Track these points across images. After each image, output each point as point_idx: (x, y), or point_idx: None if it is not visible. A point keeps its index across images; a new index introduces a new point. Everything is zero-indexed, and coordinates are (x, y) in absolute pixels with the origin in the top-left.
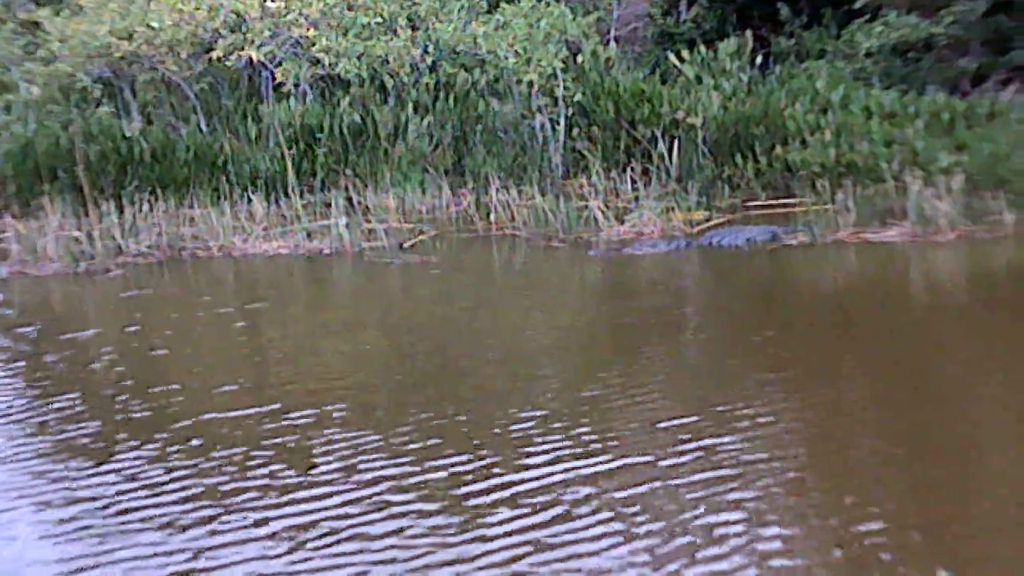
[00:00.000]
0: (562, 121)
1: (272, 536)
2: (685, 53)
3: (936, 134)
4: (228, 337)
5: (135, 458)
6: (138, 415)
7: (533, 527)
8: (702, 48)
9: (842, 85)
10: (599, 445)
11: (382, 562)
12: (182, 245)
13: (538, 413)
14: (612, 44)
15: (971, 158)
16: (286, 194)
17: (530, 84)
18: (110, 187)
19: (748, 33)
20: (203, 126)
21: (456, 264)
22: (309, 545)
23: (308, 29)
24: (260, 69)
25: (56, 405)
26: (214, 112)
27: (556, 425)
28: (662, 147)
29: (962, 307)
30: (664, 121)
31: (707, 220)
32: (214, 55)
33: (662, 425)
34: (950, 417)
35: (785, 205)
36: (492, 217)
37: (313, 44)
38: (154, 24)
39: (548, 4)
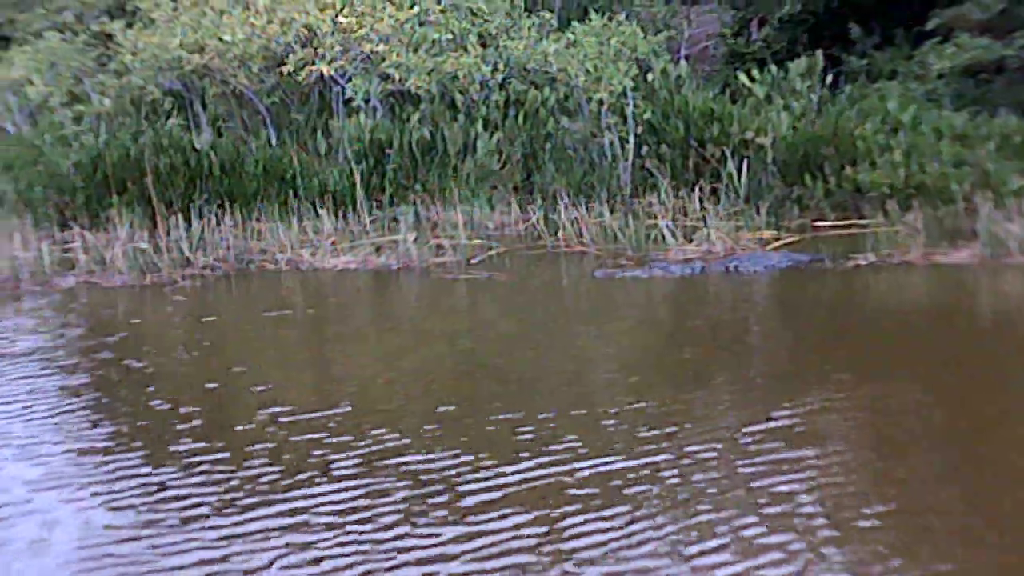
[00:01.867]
0: (631, 139)
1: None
2: (755, 72)
3: (1007, 156)
4: (294, 347)
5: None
6: (200, 418)
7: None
8: (772, 68)
9: (913, 106)
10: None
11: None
12: (250, 259)
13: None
14: (682, 63)
15: None
16: (354, 209)
17: (600, 102)
18: (179, 200)
19: (819, 53)
20: (273, 140)
21: (524, 281)
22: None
23: (379, 45)
24: (331, 84)
25: (120, 405)
26: (284, 126)
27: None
28: (731, 166)
29: None
30: (733, 140)
31: (776, 239)
32: (285, 69)
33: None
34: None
35: (854, 226)
36: (560, 234)
37: (384, 60)
38: (226, 38)
39: (619, 23)
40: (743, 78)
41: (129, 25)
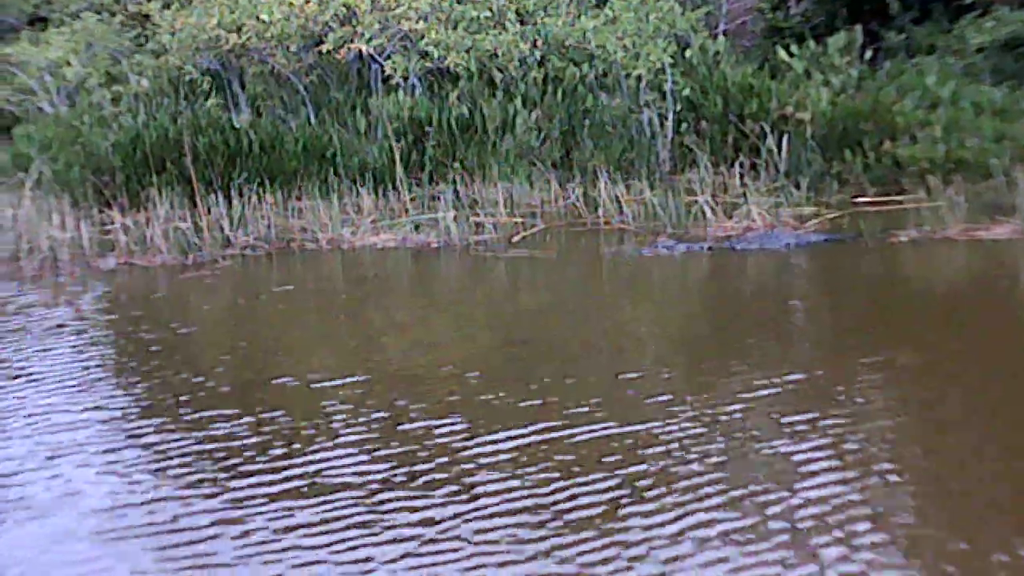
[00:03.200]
0: (670, 115)
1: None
2: (794, 48)
3: None
4: (336, 323)
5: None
6: (233, 383)
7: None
8: (811, 43)
9: (952, 81)
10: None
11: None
12: (290, 237)
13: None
14: (721, 38)
15: None
16: (394, 187)
17: (638, 78)
18: (218, 179)
19: (858, 28)
20: (312, 118)
21: (565, 257)
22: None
23: (418, 22)
24: (369, 62)
25: (151, 379)
26: (323, 105)
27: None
28: (770, 142)
29: None
30: (772, 116)
31: (815, 215)
32: (324, 48)
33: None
34: None
35: (894, 201)
36: (599, 211)
37: (422, 37)
38: (264, 17)
39: None
40: (782, 53)
41: (166, 5)
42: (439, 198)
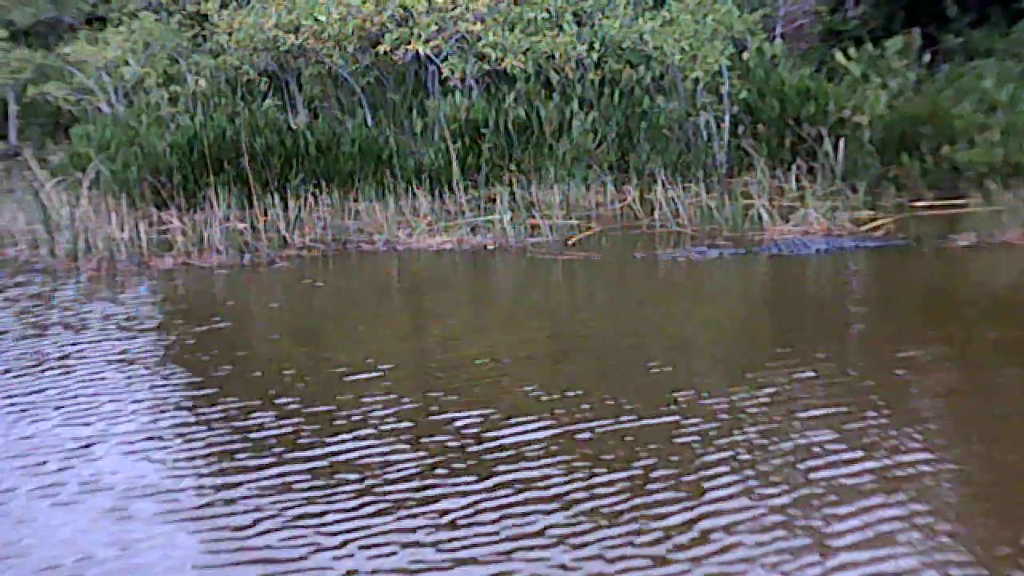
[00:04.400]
0: (727, 118)
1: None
2: (852, 51)
3: None
4: (394, 323)
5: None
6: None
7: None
8: (869, 46)
9: (1010, 84)
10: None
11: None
12: (347, 238)
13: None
14: (778, 41)
15: None
16: (450, 189)
17: (695, 81)
18: (275, 180)
19: (915, 31)
20: (369, 120)
21: (620, 260)
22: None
23: (475, 24)
24: (426, 63)
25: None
26: (380, 106)
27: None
28: (827, 145)
29: None
30: (830, 119)
31: (872, 219)
32: (380, 49)
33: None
34: None
35: (952, 206)
36: (656, 214)
37: (479, 39)
38: (321, 18)
39: (715, 1)
40: (839, 56)
41: (224, 5)
42: (495, 200)
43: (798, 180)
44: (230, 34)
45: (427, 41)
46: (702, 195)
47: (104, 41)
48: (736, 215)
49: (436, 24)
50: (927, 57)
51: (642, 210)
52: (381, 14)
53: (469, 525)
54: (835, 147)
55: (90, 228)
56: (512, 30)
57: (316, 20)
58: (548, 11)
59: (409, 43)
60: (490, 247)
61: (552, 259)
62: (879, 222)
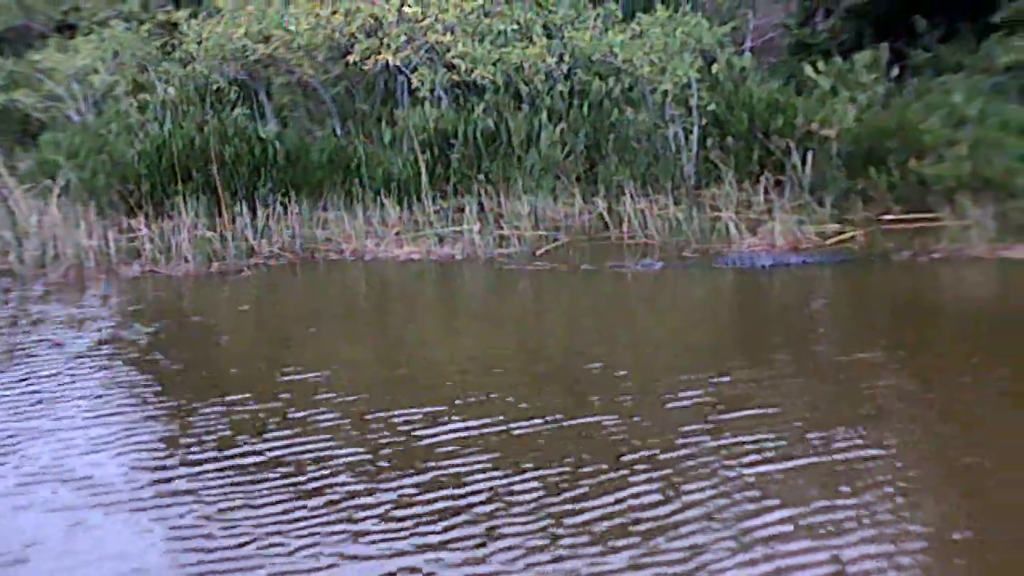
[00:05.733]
0: (696, 131)
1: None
2: (821, 64)
3: None
4: (351, 330)
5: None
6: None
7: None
8: (838, 59)
9: (979, 99)
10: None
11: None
12: (314, 248)
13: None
14: (747, 54)
15: None
16: (419, 199)
17: (664, 93)
18: (243, 189)
19: (884, 45)
20: (338, 129)
21: (587, 272)
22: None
23: (445, 35)
24: (396, 74)
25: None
26: (349, 116)
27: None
28: (796, 158)
29: None
30: (798, 132)
31: (839, 233)
32: (350, 59)
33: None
34: None
35: (920, 219)
36: (624, 226)
37: (449, 50)
38: (291, 28)
39: (684, 14)
40: (808, 70)
41: (194, 14)
42: (463, 211)
43: (766, 193)
44: (200, 43)
45: (397, 51)
46: (670, 207)
47: (74, 49)
48: (703, 227)
49: (406, 35)
50: (896, 71)
51: (610, 222)
52: (351, 24)
53: (401, 519)
54: (803, 160)
55: (58, 235)
56: (482, 41)
57: (286, 30)
58: (518, 23)
59: (379, 53)
60: (458, 257)
61: (519, 270)
62: (843, 236)
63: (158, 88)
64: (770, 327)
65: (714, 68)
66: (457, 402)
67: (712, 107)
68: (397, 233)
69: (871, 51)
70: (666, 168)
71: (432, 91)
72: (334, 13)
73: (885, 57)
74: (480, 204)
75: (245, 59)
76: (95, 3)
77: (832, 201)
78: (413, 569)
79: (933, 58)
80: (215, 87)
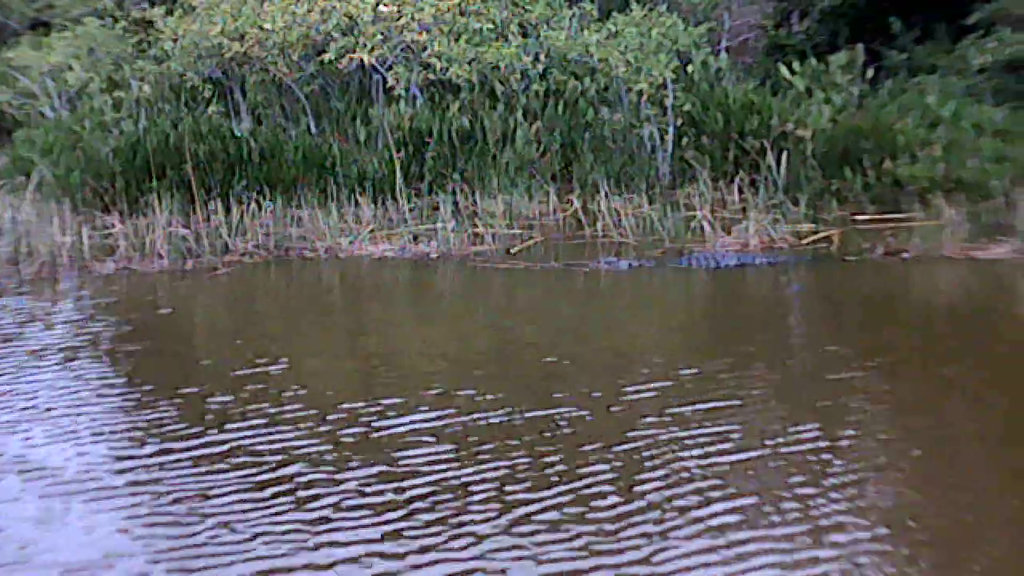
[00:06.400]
0: (671, 130)
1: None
2: (796, 65)
3: None
4: (333, 333)
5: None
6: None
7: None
8: (813, 60)
9: (953, 100)
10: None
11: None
12: (289, 245)
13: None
14: (723, 55)
15: None
16: (393, 197)
17: (639, 93)
18: (218, 186)
19: (859, 46)
20: (312, 128)
21: (554, 271)
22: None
23: (420, 34)
24: (371, 72)
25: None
26: (324, 114)
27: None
28: (770, 159)
29: None
30: (773, 133)
31: (813, 232)
32: (325, 58)
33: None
34: None
35: (893, 219)
36: (599, 225)
37: (425, 49)
38: (266, 26)
39: (660, 14)
40: (783, 70)
41: (169, 12)
42: (438, 209)
43: (740, 193)
44: (175, 40)
45: (372, 50)
46: (644, 206)
47: (48, 46)
48: (678, 227)
49: (381, 33)
50: (871, 72)
51: (584, 221)
52: (326, 23)
53: (360, 508)
54: (778, 160)
55: (32, 232)
56: (458, 40)
57: (261, 28)
58: (494, 22)
59: (354, 52)
60: (432, 256)
61: (493, 268)
62: (817, 236)
63: (133, 85)
64: (725, 325)
65: (689, 68)
66: (421, 395)
67: (687, 107)
68: (371, 231)
69: (846, 52)
70: (641, 167)
71: (407, 90)
72: (309, 11)
73: (860, 58)
74: (455, 202)
75: (220, 57)
76: (69, 0)
77: (806, 201)
78: (371, 555)
79: (908, 59)
80: (190, 85)
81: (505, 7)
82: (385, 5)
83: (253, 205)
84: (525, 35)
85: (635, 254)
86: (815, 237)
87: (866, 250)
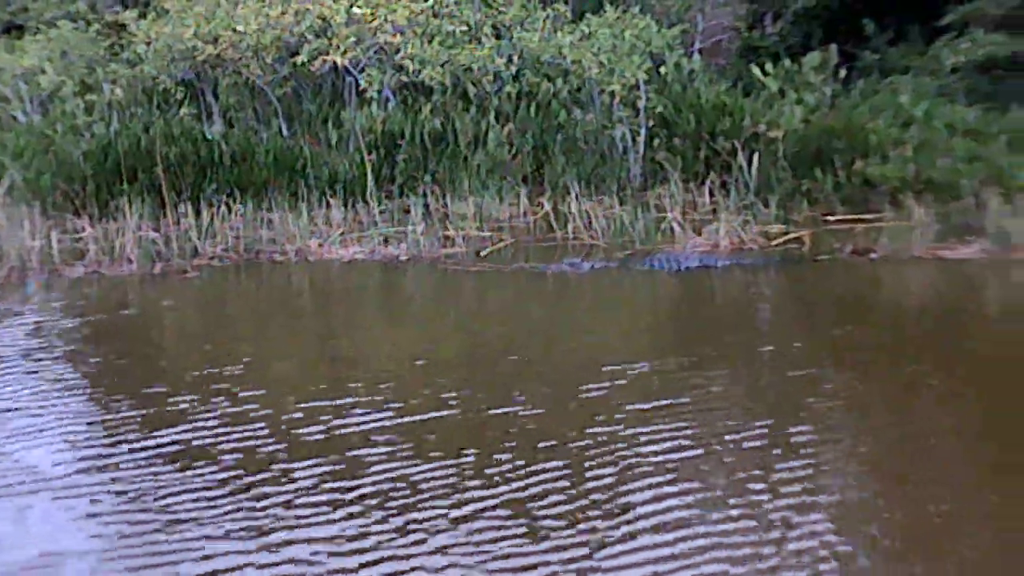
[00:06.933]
0: (643, 132)
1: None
2: (769, 66)
3: (1018, 152)
4: (298, 335)
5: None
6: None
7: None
8: (786, 61)
9: (925, 101)
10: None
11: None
12: (259, 248)
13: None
14: (696, 56)
15: None
16: (364, 200)
17: (612, 94)
18: (189, 189)
19: (832, 47)
20: (284, 130)
21: (528, 273)
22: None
23: (394, 36)
24: (344, 74)
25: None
26: (296, 116)
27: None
28: (742, 160)
29: None
30: (745, 134)
31: (784, 233)
32: (298, 60)
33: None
34: None
35: (863, 220)
36: (570, 226)
37: (398, 51)
38: (239, 28)
39: (633, 16)
40: (756, 71)
41: (142, 15)
42: (409, 211)
43: (711, 194)
44: (148, 43)
45: (345, 52)
46: (616, 208)
47: (21, 49)
48: (649, 228)
49: (355, 36)
50: (843, 73)
51: (555, 222)
52: (300, 25)
53: (316, 504)
54: (749, 161)
55: (2, 236)
56: (431, 42)
57: (235, 30)
58: (467, 24)
59: (327, 54)
60: (402, 258)
61: (463, 271)
62: (788, 236)
63: (105, 89)
64: (681, 326)
65: (662, 70)
66: (382, 395)
67: (660, 108)
68: (342, 233)
69: (819, 53)
70: (613, 169)
71: (380, 92)
72: (283, 13)
73: (833, 59)
74: (426, 205)
75: (192, 60)
76: (43, 3)
77: (777, 202)
78: (320, 553)
79: (881, 60)
80: (162, 88)
81: (478, 9)
82: (359, 7)
83: (223, 208)
84: (498, 37)
85: (604, 256)
86: (785, 238)
87: (836, 250)
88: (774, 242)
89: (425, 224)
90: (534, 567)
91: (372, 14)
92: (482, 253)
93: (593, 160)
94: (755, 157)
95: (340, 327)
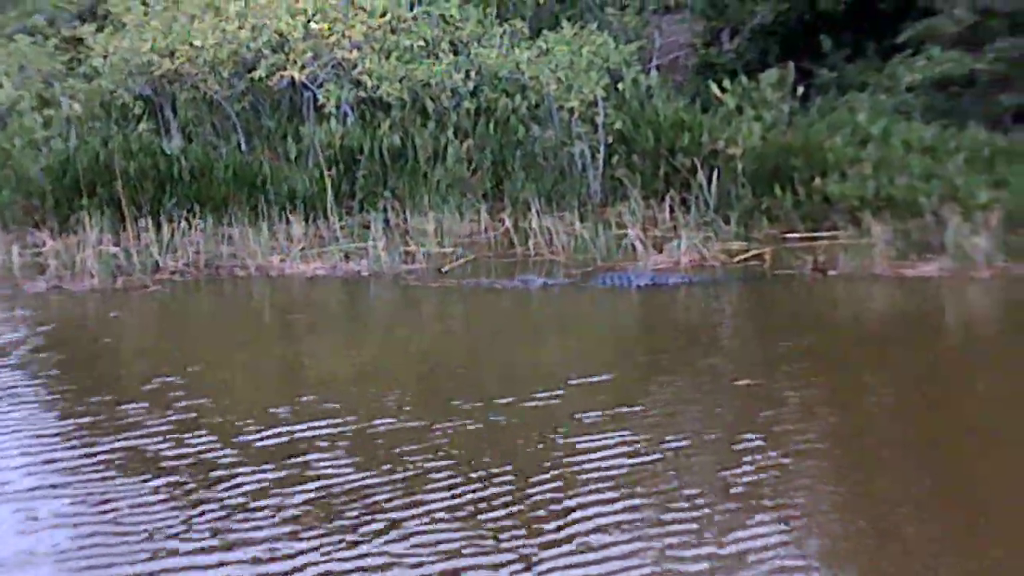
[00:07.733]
0: (602, 148)
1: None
2: (726, 83)
3: (976, 170)
4: (257, 352)
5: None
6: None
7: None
8: (744, 78)
9: (883, 118)
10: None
11: None
12: (219, 263)
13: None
14: (653, 73)
15: (1010, 194)
16: (324, 215)
17: (571, 111)
18: (148, 204)
19: (790, 64)
20: (243, 145)
21: (484, 289)
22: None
23: (351, 51)
24: (302, 90)
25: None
26: (254, 132)
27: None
28: (701, 177)
29: (993, 343)
30: (704, 150)
31: (744, 250)
32: (256, 75)
33: None
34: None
35: (823, 237)
36: (531, 243)
37: (355, 66)
38: (196, 43)
39: (591, 32)
40: (714, 88)
41: (100, 29)
42: (369, 227)
43: (671, 211)
44: (105, 57)
45: (303, 68)
46: (576, 224)
47: None
48: (609, 244)
49: (312, 51)
50: (801, 90)
51: (516, 239)
52: (257, 40)
53: (263, 508)
54: (708, 178)
55: None
56: (388, 58)
57: (192, 45)
58: (425, 40)
59: (285, 69)
60: (363, 274)
61: (424, 287)
62: (747, 254)
63: (63, 103)
64: (626, 341)
65: (620, 86)
66: (330, 406)
67: (618, 125)
68: (302, 249)
69: (777, 70)
70: (572, 185)
71: (338, 107)
72: (240, 28)
73: (790, 76)
74: (386, 220)
75: (150, 74)
76: (1, 17)
77: (737, 219)
78: (259, 559)
79: (838, 77)
80: (120, 102)
81: (436, 24)
82: (315, 23)
83: (184, 223)
84: (456, 53)
85: (564, 273)
86: (746, 255)
87: (796, 267)
88: (736, 259)
89: (386, 239)
90: (463, 570)
91: (329, 29)
92: (443, 269)
93: (553, 176)
94: (714, 174)
95: (296, 341)
